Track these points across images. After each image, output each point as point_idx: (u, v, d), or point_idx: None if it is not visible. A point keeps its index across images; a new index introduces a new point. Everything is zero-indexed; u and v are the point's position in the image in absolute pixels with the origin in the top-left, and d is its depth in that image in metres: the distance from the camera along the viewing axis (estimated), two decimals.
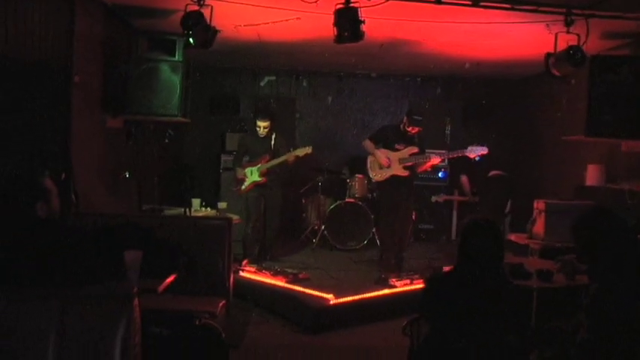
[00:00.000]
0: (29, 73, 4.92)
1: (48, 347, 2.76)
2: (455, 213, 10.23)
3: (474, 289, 3.24)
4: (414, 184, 8.04)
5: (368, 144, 7.95)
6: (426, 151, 7.83)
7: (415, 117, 7.69)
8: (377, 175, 7.84)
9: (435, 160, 7.67)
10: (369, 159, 7.99)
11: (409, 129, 7.67)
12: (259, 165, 7.95)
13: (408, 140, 7.74)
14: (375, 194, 9.15)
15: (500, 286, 3.31)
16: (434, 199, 9.60)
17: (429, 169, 8.05)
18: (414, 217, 8.30)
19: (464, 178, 8.90)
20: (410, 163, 7.65)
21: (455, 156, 7.69)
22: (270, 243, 8.31)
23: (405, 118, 7.80)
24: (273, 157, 7.97)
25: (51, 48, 5.32)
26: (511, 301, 3.30)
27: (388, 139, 7.85)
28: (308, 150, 7.98)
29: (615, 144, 7.47)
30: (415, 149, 7.67)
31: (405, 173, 7.66)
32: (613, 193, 6.98)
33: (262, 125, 7.92)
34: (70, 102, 5.67)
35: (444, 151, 7.87)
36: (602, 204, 6.72)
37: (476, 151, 7.42)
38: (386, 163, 7.71)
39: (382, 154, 7.76)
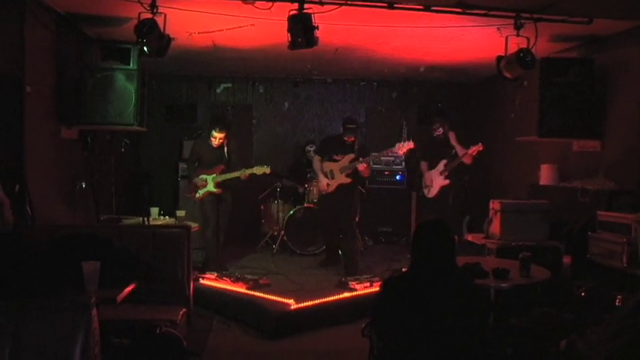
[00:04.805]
0: None
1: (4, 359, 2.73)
2: (413, 214, 10.32)
3: (429, 288, 3.28)
4: (356, 190, 8.25)
5: (315, 163, 8.30)
6: (360, 158, 7.88)
7: (348, 126, 8.01)
8: (328, 189, 8.05)
9: (361, 167, 7.73)
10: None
11: (345, 138, 7.98)
12: (214, 175, 7.91)
13: (347, 149, 7.99)
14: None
15: (455, 283, 3.35)
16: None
17: (367, 174, 8.02)
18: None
19: (423, 165, 8.99)
20: (349, 171, 7.88)
21: (383, 155, 8.11)
22: (221, 246, 8.25)
23: (342, 128, 8.14)
24: (227, 166, 7.96)
25: (1, 58, 5.24)
26: (468, 296, 3.33)
27: (329, 151, 8.16)
28: (266, 170, 7.92)
29: (567, 143, 7.65)
30: (352, 156, 7.90)
31: (348, 180, 7.90)
32: (566, 192, 7.13)
33: (218, 136, 7.87)
34: (22, 113, 5.60)
35: (372, 154, 7.99)
36: (556, 202, 6.91)
37: (403, 147, 7.60)
38: (324, 188, 8.05)
39: (323, 180, 8.06)
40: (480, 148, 8.02)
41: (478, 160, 8.29)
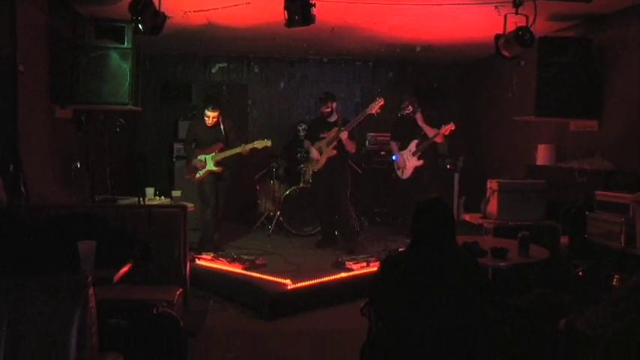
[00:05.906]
0: None
1: (0, 339, 2.70)
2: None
3: (428, 266, 3.26)
4: (346, 164, 8.36)
5: (306, 145, 8.56)
6: (342, 128, 8.03)
7: (320, 96, 8.41)
8: (317, 165, 8.23)
9: (344, 136, 7.89)
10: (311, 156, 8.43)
11: (323, 110, 8.26)
12: (214, 153, 7.87)
13: (330, 126, 8.17)
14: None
15: (455, 261, 3.33)
16: None
17: (351, 148, 8.11)
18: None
19: (393, 145, 8.96)
20: (335, 143, 8.03)
21: (360, 120, 8.04)
22: (219, 224, 8.29)
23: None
24: (226, 144, 7.90)
25: None
26: (469, 274, 3.31)
27: (317, 131, 8.37)
28: (267, 143, 7.94)
29: (564, 123, 7.62)
30: (337, 129, 8.02)
31: (334, 152, 8.05)
32: (563, 172, 7.12)
33: (211, 115, 7.82)
34: (15, 92, 5.54)
35: (350, 122, 8.08)
36: (553, 182, 6.89)
37: (375, 107, 7.81)
38: (316, 157, 8.23)
39: (314, 150, 8.26)
40: (452, 128, 8.12)
41: (451, 138, 8.39)
